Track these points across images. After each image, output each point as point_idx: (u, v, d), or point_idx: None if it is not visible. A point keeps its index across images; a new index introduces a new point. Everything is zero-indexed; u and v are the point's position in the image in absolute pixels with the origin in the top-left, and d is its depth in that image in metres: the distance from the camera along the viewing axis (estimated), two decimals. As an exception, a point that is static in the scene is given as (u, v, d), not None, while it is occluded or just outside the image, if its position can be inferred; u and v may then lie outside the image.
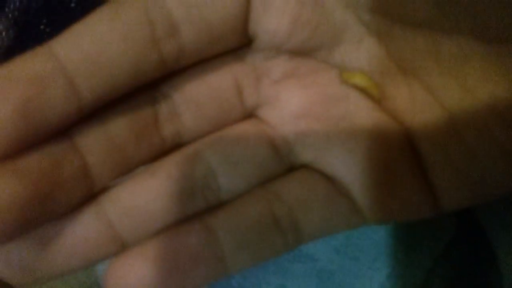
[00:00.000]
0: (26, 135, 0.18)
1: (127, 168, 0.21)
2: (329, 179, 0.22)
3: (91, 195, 0.21)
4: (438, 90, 0.21)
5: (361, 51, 0.22)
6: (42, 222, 0.19)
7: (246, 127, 0.23)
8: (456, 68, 0.20)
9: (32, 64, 0.18)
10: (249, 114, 0.23)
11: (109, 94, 0.19)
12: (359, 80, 0.22)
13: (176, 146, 0.23)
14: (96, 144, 0.20)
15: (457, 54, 0.20)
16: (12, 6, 0.31)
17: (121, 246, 0.21)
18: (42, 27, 0.32)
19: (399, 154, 0.21)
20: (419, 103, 0.21)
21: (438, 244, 0.32)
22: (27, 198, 0.18)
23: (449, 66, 0.20)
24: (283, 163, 0.23)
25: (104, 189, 0.21)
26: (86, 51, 0.18)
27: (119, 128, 0.21)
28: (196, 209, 0.22)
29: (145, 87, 0.21)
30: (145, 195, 0.21)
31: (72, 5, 0.31)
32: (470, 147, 0.20)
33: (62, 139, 0.19)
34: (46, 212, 0.19)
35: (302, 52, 0.22)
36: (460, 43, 0.19)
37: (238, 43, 0.22)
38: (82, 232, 0.20)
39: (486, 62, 0.19)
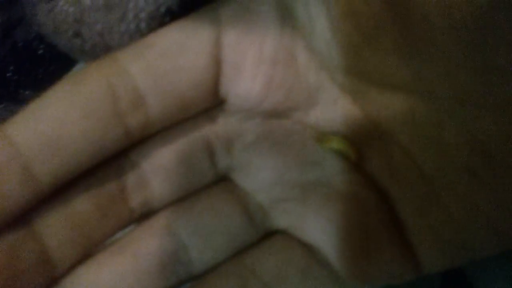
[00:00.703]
0: None
1: (92, 246, 0.20)
2: (306, 247, 0.21)
3: (53, 280, 0.20)
4: (415, 154, 0.20)
5: (336, 112, 0.22)
6: None
7: (218, 194, 0.22)
8: (433, 132, 0.19)
9: None
10: (222, 178, 0.22)
11: (71, 174, 0.19)
12: (333, 142, 0.21)
13: (145, 214, 0.21)
14: (56, 226, 0.19)
15: (432, 118, 0.19)
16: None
17: None
18: (9, 74, 0.31)
19: (377, 220, 0.21)
20: (397, 166, 0.21)
21: None
22: None
23: (426, 129, 0.20)
24: (258, 231, 0.22)
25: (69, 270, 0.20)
26: (43, 133, 0.18)
27: (82, 206, 0.20)
28: (167, 286, 0.21)
29: (111, 157, 0.20)
30: (111, 275, 0.20)
31: (40, 52, 0.30)
32: (451, 213, 0.20)
33: (20, 226, 0.18)
34: None
35: (275, 114, 0.22)
36: (436, 107, 0.19)
37: (209, 106, 0.21)
38: None
39: (462, 127, 0.19)
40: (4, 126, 0.18)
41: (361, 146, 0.21)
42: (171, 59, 0.20)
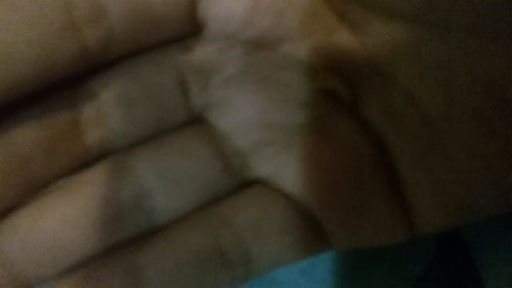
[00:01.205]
0: None
1: (36, 186, 0.17)
2: (288, 199, 0.19)
3: None
4: (419, 96, 0.18)
5: (332, 45, 0.19)
6: None
7: (191, 135, 0.19)
8: (441, 72, 0.17)
9: None
10: (196, 118, 0.20)
11: (13, 93, 0.16)
12: (328, 82, 0.19)
13: (104, 156, 0.19)
14: None
15: (442, 53, 0.17)
16: None
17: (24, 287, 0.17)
18: None
19: (371, 170, 0.19)
20: (397, 111, 0.19)
21: (417, 268, 0.30)
22: None
23: (433, 68, 0.17)
24: (234, 179, 0.19)
25: (3, 215, 0.17)
26: None
27: (25, 136, 0.17)
28: (123, 237, 0.18)
29: (66, 84, 0.17)
30: (55, 222, 0.17)
31: None
32: (457, 166, 0.18)
33: None
34: None
35: (262, 44, 0.19)
36: (447, 40, 0.17)
37: (184, 31, 0.19)
38: None
39: (476, 65, 0.17)
40: None
41: (357, 86, 0.19)
42: None
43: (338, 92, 0.19)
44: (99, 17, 0.16)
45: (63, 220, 0.17)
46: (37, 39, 0.15)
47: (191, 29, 0.19)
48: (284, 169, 0.19)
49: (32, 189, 0.17)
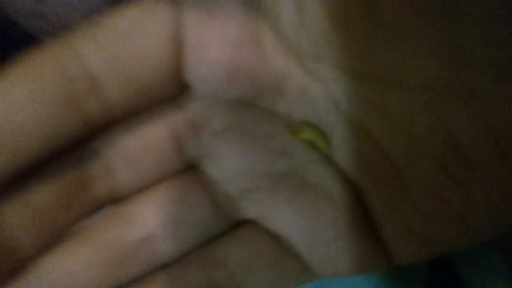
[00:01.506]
0: None
1: (57, 233, 0.21)
2: (275, 238, 0.22)
3: (16, 269, 0.20)
4: (386, 146, 0.20)
5: (306, 100, 0.21)
6: None
7: (186, 183, 0.22)
8: (404, 124, 0.19)
9: None
10: (190, 165, 0.22)
11: (25, 164, 0.19)
12: (303, 131, 0.21)
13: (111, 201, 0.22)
14: (18, 215, 0.19)
15: (404, 109, 0.19)
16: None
17: None
18: None
19: (347, 211, 0.21)
20: (367, 158, 0.21)
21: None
22: None
23: (397, 121, 0.20)
24: (226, 221, 0.22)
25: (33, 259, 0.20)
26: None
27: (43, 194, 0.20)
28: (133, 275, 0.21)
29: (73, 145, 0.20)
30: (74, 265, 0.20)
31: (13, 35, 0.30)
32: (420, 207, 0.20)
33: None
34: None
35: (243, 101, 0.21)
36: (407, 98, 0.19)
37: (173, 92, 0.21)
38: None
39: (434, 119, 0.19)
40: None
41: (331, 137, 0.21)
42: (126, 41, 0.19)
43: (315, 142, 0.21)
44: (97, 89, 0.19)
45: (81, 263, 0.20)
46: (44, 115, 0.18)
47: (179, 90, 0.21)
48: (270, 211, 0.21)
49: (54, 234, 0.20)
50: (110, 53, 0.19)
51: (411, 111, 0.19)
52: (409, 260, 0.21)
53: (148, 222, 0.21)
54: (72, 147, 0.20)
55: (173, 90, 0.21)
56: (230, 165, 0.22)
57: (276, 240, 0.22)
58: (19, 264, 0.20)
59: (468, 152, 0.18)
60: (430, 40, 0.17)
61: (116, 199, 0.22)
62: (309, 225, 0.21)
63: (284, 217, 0.21)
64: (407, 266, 0.29)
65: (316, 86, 0.21)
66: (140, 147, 0.21)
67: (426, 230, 0.20)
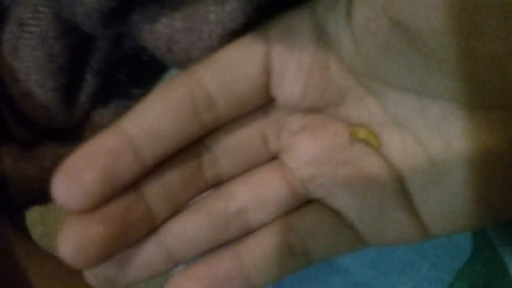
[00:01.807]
0: (106, 193, 0.25)
1: (180, 206, 0.28)
2: (336, 213, 0.28)
3: (153, 228, 0.27)
4: (425, 142, 0.25)
5: (362, 108, 0.27)
6: (120, 251, 0.26)
7: (270, 171, 0.29)
8: (440, 125, 0.24)
9: (108, 140, 0.25)
10: (273, 157, 0.29)
11: (165, 155, 0.26)
12: (360, 132, 0.27)
13: (217, 183, 0.29)
14: (156, 192, 0.27)
15: (440, 114, 0.24)
16: (96, 57, 0.38)
17: (175, 264, 0.28)
18: (121, 76, 0.38)
19: (392, 193, 0.26)
20: (410, 152, 0.26)
21: (457, 262, 0.36)
22: (109, 237, 0.25)
23: (434, 123, 0.24)
24: (299, 199, 0.28)
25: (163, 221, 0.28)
26: (148, 128, 0.25)
27: (173, 177, 0.27)
28: (231, 236, 0.28)
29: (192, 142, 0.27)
30: (192, 228, 0.27)
31: (144, 58, 0.37)
32: (452, 192, 0.25)
33: (132, 190, 0.26)
34: (123, 244, 0.26)
35: (313, 109, 0.28)
36: (442, 106, 0.24)
37: (263, 103, 0.28)
38: (148, 254, 0.27)
39: (463, 122, 0.24)
40: (120, 121, 0.25)
41: (382, 136, 0.27)
42: (233, 70, 0.26)
43: (368, 140, 0.27)
44: (212, 105, 0.26)
45: (196, 226, 0.28)
46: (177, 124, 0.26)
47: (267, 101, 0.28)
48: (332, 192, 0.28)
49: (179, 206, 0.28)
50: (222, 79, 0.26)
51: (446, 117, 0.24)
52: (443, 234, 0.26)
53: (242, 199, 0.28)
54: (193, 143, 0.27)
55: (263, 102, 0.27)
56: (302, 156, 0.28)
57: (336, 215, 0.28)
58: (155, 225, 0.27)
59: (491, 151, 0.23)
60: (455, 63, 0.22)
61: (220, 182, 0.29)
62: (362, 204, 0.27)
63: (342, 198, 0.27)
64: (455, 239, 0.35)
65: (369, 97, 0.27)
66: (238, 143, 0.28)
67: (455, 211, 0.25)
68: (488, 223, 0.27)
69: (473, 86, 0.22)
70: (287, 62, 0.26)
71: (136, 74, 0.39)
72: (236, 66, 0.26)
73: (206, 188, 0.29)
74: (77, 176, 0.24)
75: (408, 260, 0.37)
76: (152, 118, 0.25)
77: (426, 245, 0.36)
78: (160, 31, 0.29)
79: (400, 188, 0.26)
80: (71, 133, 0.39)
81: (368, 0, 0.22)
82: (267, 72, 0.26)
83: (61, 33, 0.34)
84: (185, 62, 0.28)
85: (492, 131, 0.23)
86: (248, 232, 0.28)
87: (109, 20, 0.28)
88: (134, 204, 0.26)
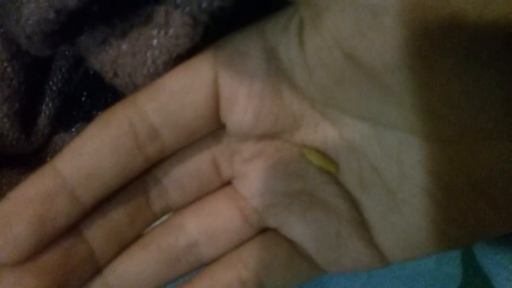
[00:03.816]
0: (41, 241, 0.23)
1: (125, 243, 0.27)
2: (291, 243, 0.27)
3: (97, 271, 0.26)
4: (382, 170, 0.25)
5: (318, 133, 0.26)
6: None
7: (222, 200, 0.28)
8: (396, 154, 0.24)
9: (40, 183, 0.23)
10: (226, 182, 0.28)
11: (106, 195, 0.25)
12: (315, 157, 0.26)
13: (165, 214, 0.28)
14: (99, 232, 0.26)
15: (396, 143, 0.24)
16: (55, 78, 0.36)
17: None
18: (83, 98, 0.37)
19: (348, 222, 0.26)
20: (367, 180, 0.26)
21: None
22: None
23: (390, 151, 0.24)
24: (253, 229, 0.28)
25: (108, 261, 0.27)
26: (84, 167, 0.24)
27: (117, 215, 0.26)
28: (182, 272, 0.27)
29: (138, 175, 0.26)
30: (138, 265, 0.26)
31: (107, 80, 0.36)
32: (408, 221, 0.25)
33: (72, 234, 0.25)
34: None
35: (267, 136, 0.27)
36: (398, 136, 0.23)
37: (213, 130, 0.27)
38: None
39: (419, 152, 0.23)
40: (53, 162, 0.24)
41: (338, 162, 0.26)
42: (178, 98, 0.25)
43: (325, 167, 0.26)
44: (156, 137, 0.25)
45: (143, 264, 0.27)
46: (118, 160, 0.24)
47: (217, 127, 0.27)
48: (286, 223, 0.27)
49: (124, 244, 0.27)
50: (167, 108, 0.25)
51: (399, 144, 0.24)
52: (400, 261, 0.26)
53: (193, 232, 0.27)
54: (138, 176, 0.26)
55: (213, 129, 0.27)
56: (256, 185, 0.27)
57: (292, 245, 0.27)
58: (98, 267, 0.26)
59: (447, 182, 0.23)
60: (407, 94, 0.22)
61: (168, 211, 0.28)
62: (317, 234, 0.27)
63: (297, 228, 0.27)
64: (443, 270, 0.34)
65: (325, 122, 0.26)
66: (188, 172, 0.27)
67: (412, 238, 0.25)
68: (448, 250, 0.26)
69: (429, 120, 0.22)
70: (236, 88, 0.25)
71: (99, 95, 0.37)
72: (182, 93, 0.25)
73: (155, 220, 0.28)
74: (7, 226, 0.23)
75: (395, 289, 0.35)
76: (89, 156, 0.24)
77: (413, 274, 0.35)
78: (106, 53, 0.27)
79: (357, 217, 0.26)
80: (31, 159, 0.37)
81: (320, 30, 0.22)
82: (216, 98, 0.25)
83: (13, 54, 0.33)
84: (132, 88, 0.27)
85: (448, 164, 0.23)
86: (199, 266, 0.28)
87: (53, 42, 0.27)
88: (74, 249, 0.25)
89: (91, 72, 0.37)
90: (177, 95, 0.25)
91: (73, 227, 0.25)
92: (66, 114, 0.38)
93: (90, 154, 0.24)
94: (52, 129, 0.38)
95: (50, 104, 0.37)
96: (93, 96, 0.38)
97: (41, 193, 0.23)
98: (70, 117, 0.38)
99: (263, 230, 0.29)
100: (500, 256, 0.31)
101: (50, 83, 0.36)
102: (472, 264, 0.34)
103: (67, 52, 0.36)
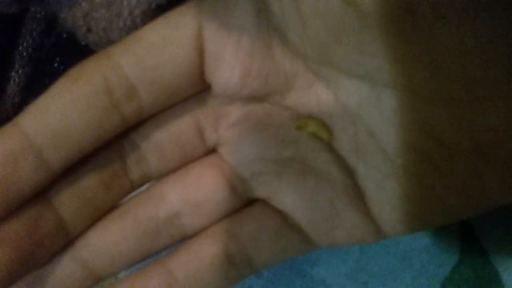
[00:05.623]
0: (4, 207, 0.21)
1: (100, 214, 0.25)
2: (281, 214, 0.25)
3: (68, 242, 0.25)
4: (380, 136, 0.23)
5: (311, 96, 0.25)
6: (27, 273, 0.23)
7: (207, 168, 0.26)
8: (394, 118, 0.22)
9: (2, 143, 0.21)
10: (211, 151, 0.27)
11: (77, 157, 0.23)
12: (310, 125, 0.24)
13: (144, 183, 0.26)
14: (69, 199, 0.24)
15: (394, 104, 0.22)
16: (25, 43, 0.34)
17: (96, 280, 0.25)
18: (55, 64, 0.35)
19: (343, 192, 0.25)
20: (363, 147, 0.24)
21: (444, 269, 0.34)
22: (10, 262, 0.22)
23: (388, 115, 0.23)
24: (240, 200, 0.26)
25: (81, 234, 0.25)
26: (51, 125, 0.22)
27: (90, 181, 0.24)
28: (163, 245, 0.25)
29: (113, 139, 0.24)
30: (114, 237, 0.25)
31: (83, 43, 0.34)
32: (407, 190, 0.23)
33: (39, 201, 0.23)
34: (30, 267, 0.23)
35: (255, 98, 0.25)
36: (398, 97, 0.22)
37: (196, 91, 0.25)
38: (62, 272, 0.24)
39: (418, 115, 0.22)
40: (17, 120, 0.22)
41: (333, 128, 0.25)
42: (157, 52, 0.23)
43: (317, 133, 0.25)
44: (133, 95, 0.23)
45: (119, 235, 0.25)
46: (90, 119, 0.22)
47: (202, 88, 0.25)
48: (276, 192, 0.25)
49: (98, 214, 0.25)
50: (144, 63, 0.23)
51: (399, 107, 0.22)
52: (396, 234, 0.25)
53: (175, 202, 0.25)
54: (114, 139, 0.24)
55: (196, 90, 0.25)
56: (243, 152, 0.26)
57: (282, 216, 0.26)
58: (69, 239, 0.25)
59: (448, 143, 0.22)
60: (409, 52, 0.20)
61: (148, 181, 0.26)
62: (309, 204, 0.25)
63: (288, 197, 0.25)
64: (441, 243, 0.33)
65: (319, 83, 0.24)
66: (169, 137, 0.26)
67: (411, 209, 0.24)
68: (448, 222, 0.25)
69: (434, 77, 0.21)
70: (223, 42, 0.24)
71: (73, 61, 0.35)
72: (161, 46, 0.23)
73: (133, 190, 0.26)
74: None
75: (390, 269, 0.35)
76: (57, 113, 0.22)
77: (409, 252, 0.34)
78: (79, 6, 0.26)
79: (352, 186, 0.25)
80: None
81: None
82: (199, 54, 0.24)
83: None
84: (107, 45, 0.25)
85: (451, 127, 0.21)
86: (182, 239, 0.26)
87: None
88: (41, 217, 0.23)
89: (64, 36, 0.35)
90: (156, 48, 0.23)
91: (41, 194, 0.23)
92: (38, 82, 0.36)
93: (59, 111, 0.22)
94: (22, 98, 0.36)
95: (20, 71, 0.35)
96: (66, 62, 0.35)
97: (3, 154, 0.21)
98: (42, 84, 0.36)
99: (251, 201, 0.27)
100: (501, 232, 0.32)
101: (20, 48, 0.34)
102: (470, 239, 0.34)
103: (38, 15, 0.34)
